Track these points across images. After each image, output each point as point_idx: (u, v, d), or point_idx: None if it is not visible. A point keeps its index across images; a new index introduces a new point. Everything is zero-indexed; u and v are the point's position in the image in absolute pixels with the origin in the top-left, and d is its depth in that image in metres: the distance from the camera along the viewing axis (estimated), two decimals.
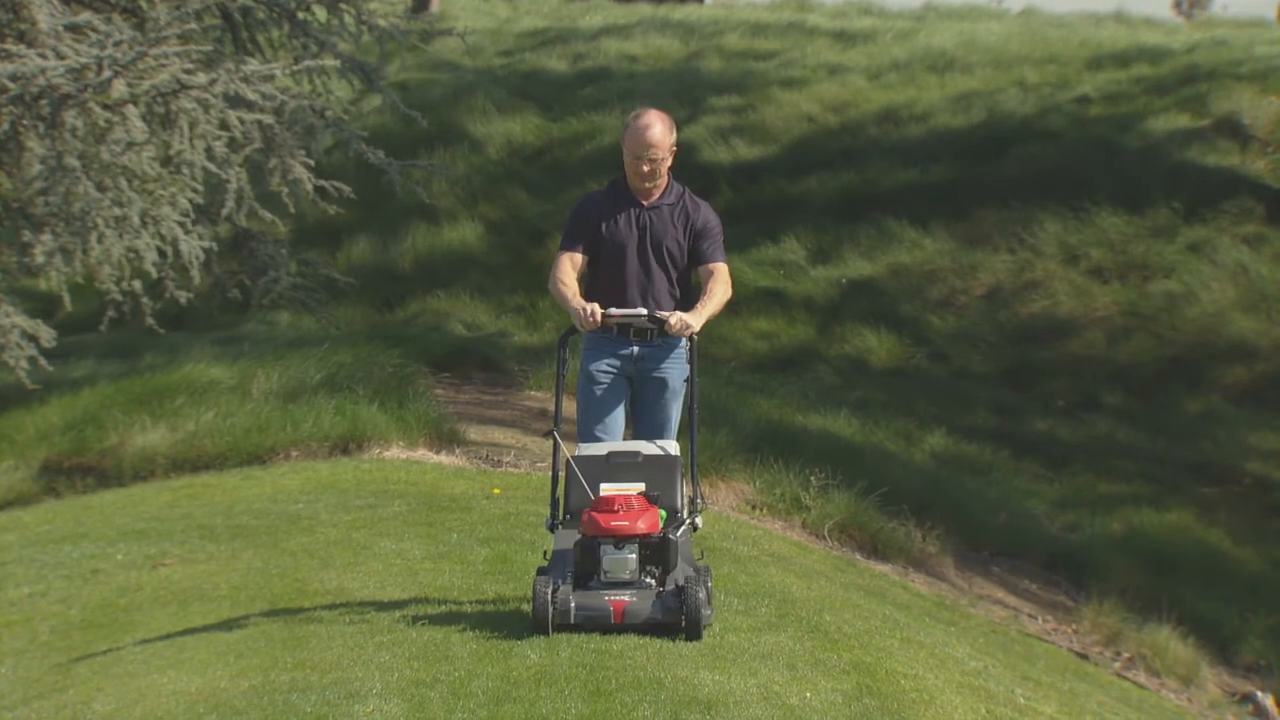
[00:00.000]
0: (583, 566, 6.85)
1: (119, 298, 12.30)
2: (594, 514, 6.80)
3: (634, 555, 6.77)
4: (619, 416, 7.52)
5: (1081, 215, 18.39)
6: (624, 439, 7.49)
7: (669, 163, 7.49)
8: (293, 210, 14.02)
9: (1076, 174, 19.03)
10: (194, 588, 8.63)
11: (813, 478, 11.52)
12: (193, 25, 12.02)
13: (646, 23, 27.51)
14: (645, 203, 7.51)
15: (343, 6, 14.55)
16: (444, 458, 12.03)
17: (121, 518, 10.62)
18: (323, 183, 13.51)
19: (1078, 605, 11.43)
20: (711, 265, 7.52)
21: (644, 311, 7.30)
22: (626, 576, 6.79)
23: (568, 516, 7.11)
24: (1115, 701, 9.12)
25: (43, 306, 14.39)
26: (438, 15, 27.91)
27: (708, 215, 7.62)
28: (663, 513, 6.94)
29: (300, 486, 10.98)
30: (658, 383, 7.49)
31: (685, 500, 7.14)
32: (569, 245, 7.53)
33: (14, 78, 11.07)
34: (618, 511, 6.77)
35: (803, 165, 20.48)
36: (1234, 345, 16.57)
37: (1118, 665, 10.63)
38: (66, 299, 12.66)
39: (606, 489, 6.96)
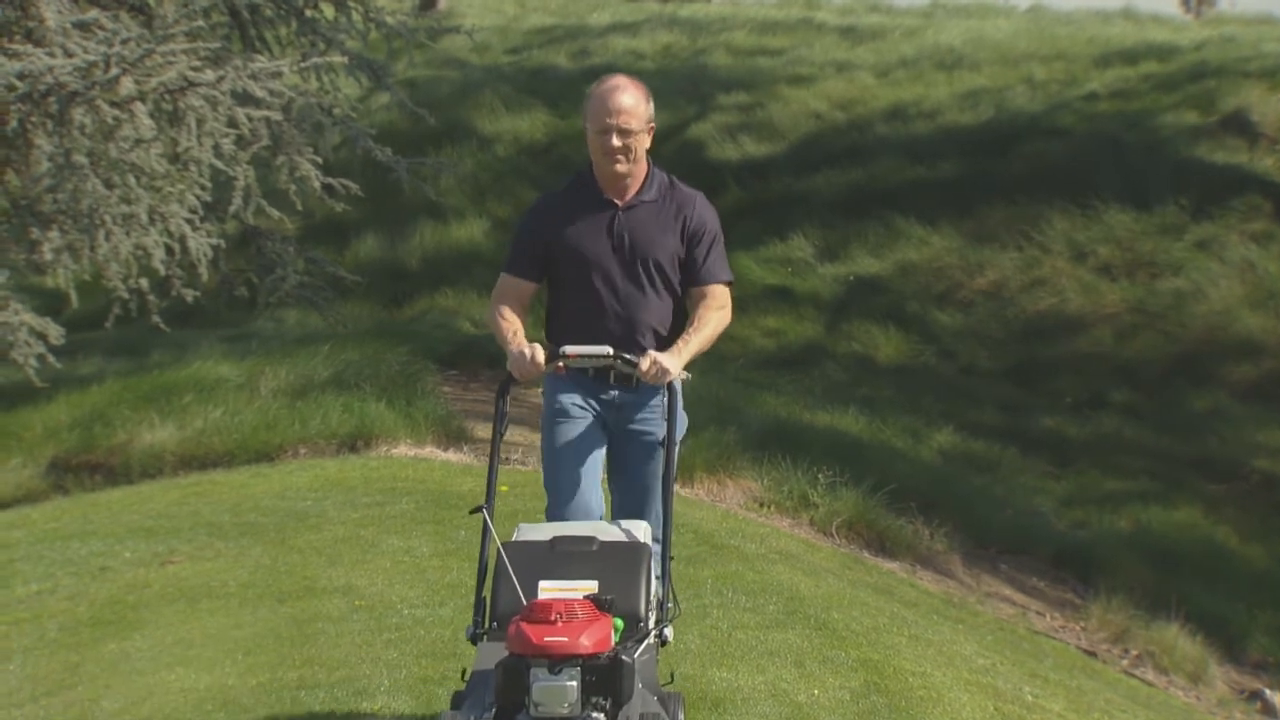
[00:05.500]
0: (507, 695, 4.98)
1: (125, 295, 12.32)
2: (523, 625, 4.95)
3: (574, 683, 4.91)
4: (595, 466, 5.91)
5: (1089, 212, 18.38)
6: (602, 503, 5.91)
7: (647, 143, 5.87)
8: (300, 208, 14.03)
9: (1084, 171, 19.01)
10: (202, 585, 8.64)
11: (820, 475, 11.51)
12: (200, 22, 12.02)
13: (654, 20, 27.53)
14: (620, 202, 5.87)
15: (350, 4, 14.55)
16: (451, 455, 12.03)
17: (129, 515, 10.63)
18: (330, 180, 13.51)
19: (1085, 602, 11.42)
20: (708, 286, 5.87)
21: (608, 351, 5.66)
22: (564, 710, 4.92)
23: (494, 625, 5.27)
24: (1123, 699, 9.11)
25: (49, 304, 14.41)
26: (445, 12, 27.91)
27: (704, 212, 5.95)
28: (618, 622, 5.14)
29: (308, 484, 11.00)
30: (642, 441, 5.91)
31: (653, 604, 5.39)
32: (513, 267, 5.91)
33: (22, 76, 11.07)
34: (555, 622, 4.93)
35: (810, 162, 20.47)
36: (1241, 342, 16.55)
37: (1125, 662, 10.62)
38: (73, 296, 12.68)
39: (546, 588, 5.21)
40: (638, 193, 5.88)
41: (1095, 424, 15.50)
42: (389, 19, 14.84)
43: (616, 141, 5.76)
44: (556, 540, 5.37)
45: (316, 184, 13.46)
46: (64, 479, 12.17)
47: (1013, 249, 18.23)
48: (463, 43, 24.12)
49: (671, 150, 20.72)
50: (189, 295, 12.83)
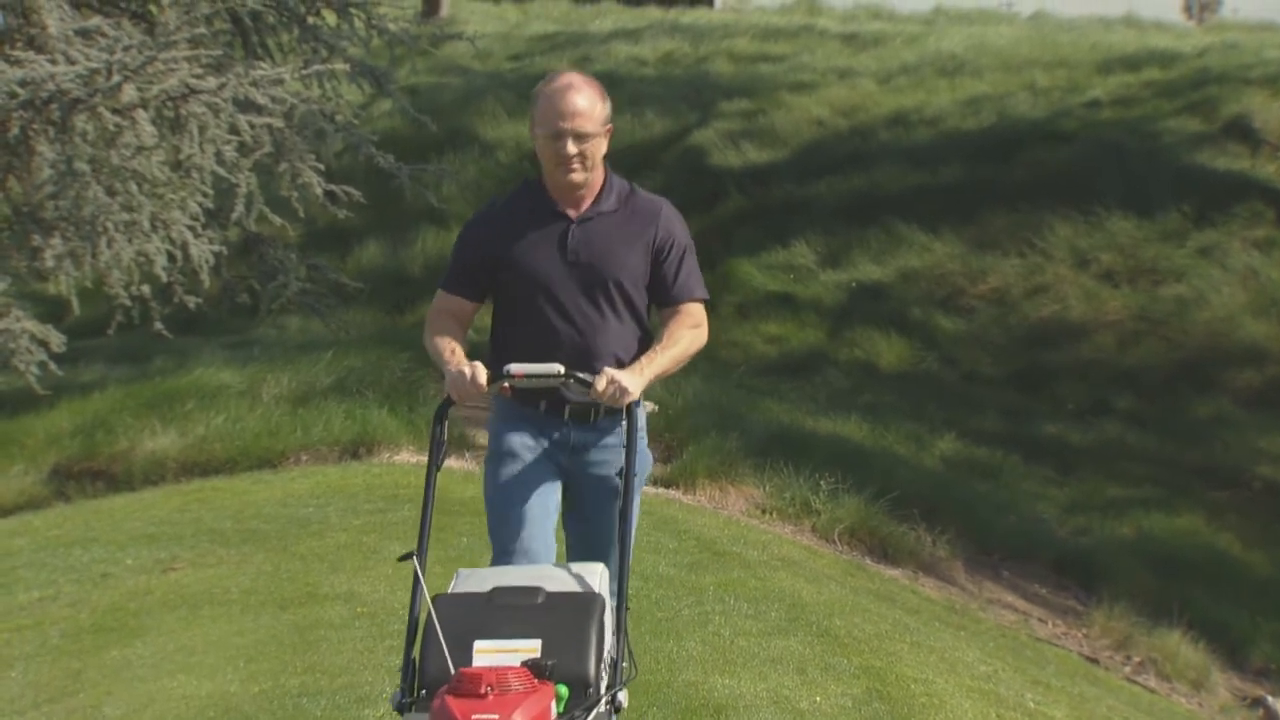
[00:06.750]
0: None
1: (127, 302, 12.32)
2: (448, 699, 4.25)
3: None
4: (545, 511, 5.18)
5: (1091, 219, 18.38)
6: (554, 557, 5.15)
7: (604, 148, 5.19)
8: (302, 214, 14.01)
9: (1086, 178, 19.01)
10: (204, 592, 8.64)
11: (822, 482, 11.51)
12: (202, 30, 12.01)
13: (656, 26, 27.55)
14: (574, 213, 5.15)
15: (353, 11, 14.53)
16: (454, 462, 12.01)
17: (131, 522, 10.63)
18: (332, 187, 13.50)
19: (1088, 609, 11.41)
20: (681, 305, 5.16)
21: (558, 369, 4.95)
22: None
23: (423, 692, 4.52)
24: (1125, 706, 9.10)
25: (51, 311, 14.41)
26: (448, 19, 27.92)
27: (671, 223, 5.21)
28: (561, 689, 4.43)
29: (310, 491, 10.99)
30: (600, 485, 5.18)
31: (605, 665, 4.60)
32: (451, 284, 5.24)
33: (24, 83, 11.07)
34: (485, 695, 4.23)
35: (812, 169, 20.47)
36: (1244, 349, 16.55)
37: (1128, 669, 10.61)
38: (75, 303, 12.68)
39: (481, 649, 4.49)
40: (594, 203, 5.18)
41: (1098, 430, 15.49)
42: (391, 26, 14.82)
43: (571, 148, 5.04)
44: (496, 592, 4.68)
45: (319, 191, 13.44)
46: (66, 486, 12.17)
47: (1015, 255, 18.23)
48: (465, 49, 24.11)
49: (673, 157, 20.73)
50: (191, 302, 12.82)
